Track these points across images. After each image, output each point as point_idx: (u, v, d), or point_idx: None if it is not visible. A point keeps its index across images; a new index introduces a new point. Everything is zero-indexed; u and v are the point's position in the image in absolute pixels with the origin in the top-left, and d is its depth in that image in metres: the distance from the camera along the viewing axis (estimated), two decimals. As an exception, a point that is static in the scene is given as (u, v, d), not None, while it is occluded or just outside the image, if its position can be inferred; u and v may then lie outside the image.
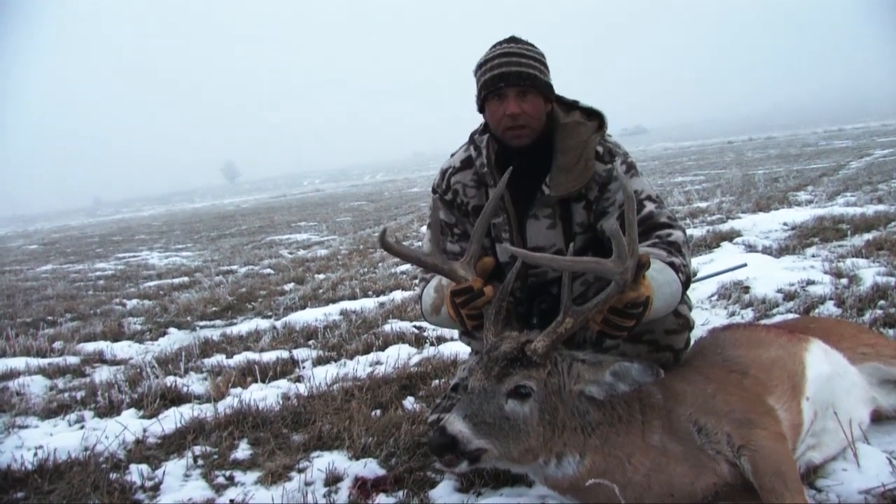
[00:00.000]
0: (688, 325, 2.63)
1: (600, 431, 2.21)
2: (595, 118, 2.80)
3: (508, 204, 2.79)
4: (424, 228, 3.05)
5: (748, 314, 4.95)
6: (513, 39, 2.75)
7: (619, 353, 2.61)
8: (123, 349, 5.94)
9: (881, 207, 9.07)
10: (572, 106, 2.86)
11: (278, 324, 6.25)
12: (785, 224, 8.68)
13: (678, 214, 10.64)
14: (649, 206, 2.66)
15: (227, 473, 3.14)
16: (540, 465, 2.19)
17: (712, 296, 5.55)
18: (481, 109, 2.82)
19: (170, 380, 4.51)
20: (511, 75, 2.64)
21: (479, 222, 2.50)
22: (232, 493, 2.96)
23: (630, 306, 2.18)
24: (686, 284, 2.53)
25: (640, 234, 2.51)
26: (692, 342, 2.99)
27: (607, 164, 2.70)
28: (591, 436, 2.20)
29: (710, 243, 7.84)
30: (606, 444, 2.21)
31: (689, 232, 7.55)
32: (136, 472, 3.16)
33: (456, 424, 2.08)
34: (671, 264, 2.43)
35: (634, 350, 2.62)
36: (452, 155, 3.02)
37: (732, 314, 5.04)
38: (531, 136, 2.72)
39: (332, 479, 2.95)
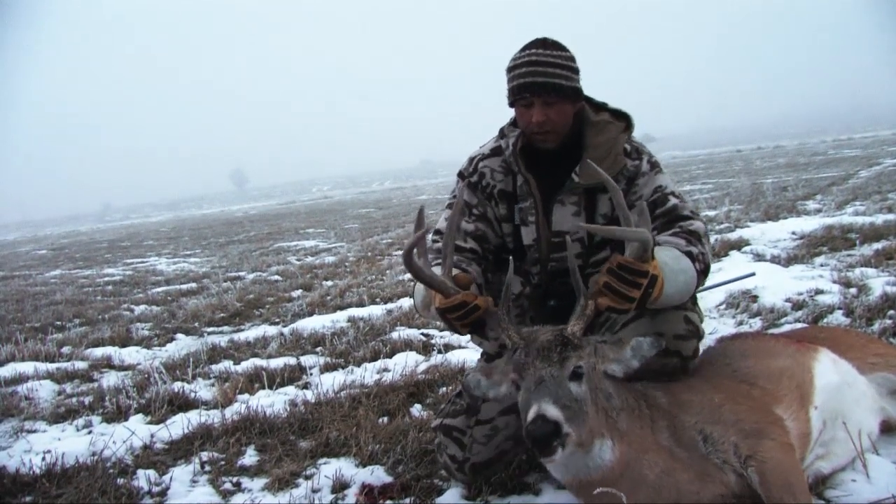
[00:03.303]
0: (697, 333, 2.61)
1: (622, 417, 2.22)
2: (623, 119, 2.87)
3: (534, 188, 2.85)
4: (441, 220, 3.01)
5: (756, 323, 4.94)
6: (542, 43, 2.75)
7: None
8: (131, 355, 5.97)
9: (891, 217, 9.03)
10: (601, 107, 2.92)
11: (286, 330, 6.26)
12: (793, 233, 8.65)
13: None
14: (673, 200, 2.73)
15: (235, 479, 3.15)
16: (587, 450, 2.15)
17: (720, 305, 5.53)
18: (512, 106, 2.86)
19: (177, 385, 4.52)
20: (536, 86, 2.69)
21: (446, 237, 2.48)
22: (239, 499, 2.97)
23: (633, 273, 2.21)
24: (705, 273, 2.58)
25: (664, 224, 2.66)
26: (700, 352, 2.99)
27: (635, 161, 2.79)
28: (618, 420, 2.21)
29: (718, 252, 7.82)
30: (629, 432, 2.21)
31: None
32: (144, 478, 3.17)
33: (551, 410, 2.03)
34: (688, 253, 2.49)
35: None
36: (482, 146, 3.06)
37: (740, 323, 5.03)
38: (557, 140, 2.80)
39: (340, 486, 2.96)
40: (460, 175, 3.01)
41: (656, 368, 2.48)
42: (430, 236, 2.81)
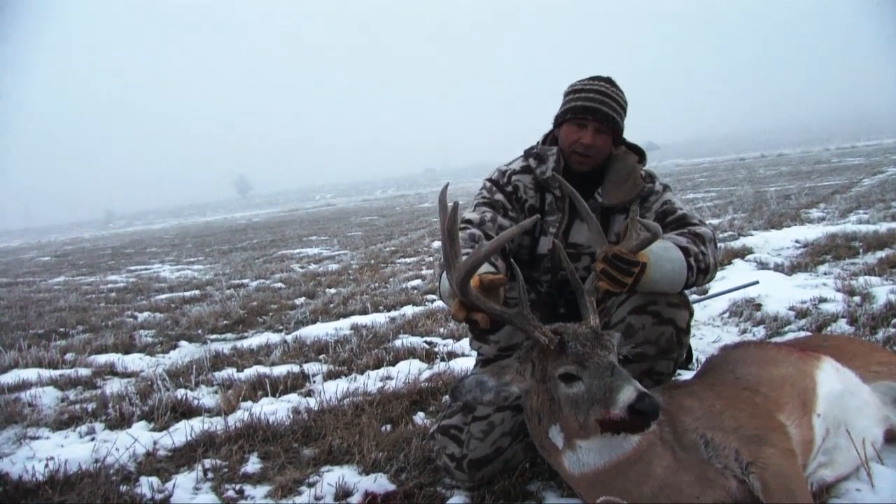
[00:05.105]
0: (688, 306, 2.82)
1: None
2: (637, 153, 3.22)
3: (567, 206, 3.12)
4: (473, 213, 3.13)
5: (760, 332, 4.93)
6: (609, 80, 3.11)
7: (627, 325, 2.75)
8: (134, 361, 5.96)
9: (894, 225, 9.02)
10: (620, 142, 3.24)
11: (289, 338, 6.26)
12: (797, 241, 8.65)
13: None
14: (681, 211, 3.05)
15: (237, 487, 3.14)
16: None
17: (724, 313, 5.53)
18: (557, 125, 3.16)
19: (180, 393, 4.52)
20: (598, 112, 3.01)
21: (492, 244, 2.47)
22: (241, 506, 2.97)
23: (626, 262, 2.44)
24: (704, 273, 2.77)
25: (674, 229, 2.94)
26: (703, 360, 3.01)
27: (649, 184, 3.14)
28: None
29: (721, 260, 7.80)
30: None
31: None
32: (147, 485, 3.17)
33: (643, 388, 2.11)
34: (685, 249, 2.70)
35: (640, 321, 2.75)
36: (509, 163, 3.29)
37: (744, 332, 5.02)
38: (592, 165, 3.12)
39: (342, 494, 2.95)
40: (494, 183, 3.20)
41: (653, 339, 2.69)
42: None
